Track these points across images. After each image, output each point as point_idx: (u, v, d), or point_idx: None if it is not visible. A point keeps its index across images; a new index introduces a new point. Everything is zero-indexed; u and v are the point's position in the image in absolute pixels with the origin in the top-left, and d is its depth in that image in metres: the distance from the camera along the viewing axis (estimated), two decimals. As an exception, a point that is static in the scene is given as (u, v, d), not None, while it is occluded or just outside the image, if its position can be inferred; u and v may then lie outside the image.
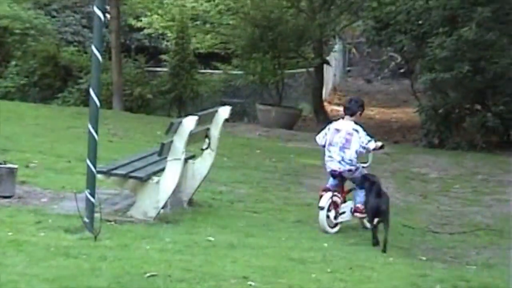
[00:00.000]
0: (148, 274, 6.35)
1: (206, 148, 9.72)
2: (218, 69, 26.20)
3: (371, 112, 28.29)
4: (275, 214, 10.08)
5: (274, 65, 23.12)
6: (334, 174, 9.50)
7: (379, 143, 9.60)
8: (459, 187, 13.63)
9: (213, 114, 9.75)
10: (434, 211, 11.42)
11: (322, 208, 9.22)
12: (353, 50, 36.81)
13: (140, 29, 27.05)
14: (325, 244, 8.33)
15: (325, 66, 25.56)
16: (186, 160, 9.23)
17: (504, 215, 11.55)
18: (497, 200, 12.75)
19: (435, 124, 19.67)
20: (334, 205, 9.34)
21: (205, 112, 9.80)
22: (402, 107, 27.38)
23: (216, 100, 23.72)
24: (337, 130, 9.53)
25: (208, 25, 25.94)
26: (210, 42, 25.88)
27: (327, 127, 9.73)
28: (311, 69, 24.74)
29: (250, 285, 6.36)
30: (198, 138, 9.53)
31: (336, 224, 9.39)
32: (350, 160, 9.40)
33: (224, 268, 6.81)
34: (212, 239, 7.88)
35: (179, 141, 8.66)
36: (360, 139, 9.41)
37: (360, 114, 9.73)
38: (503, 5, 18.64)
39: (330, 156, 9.52)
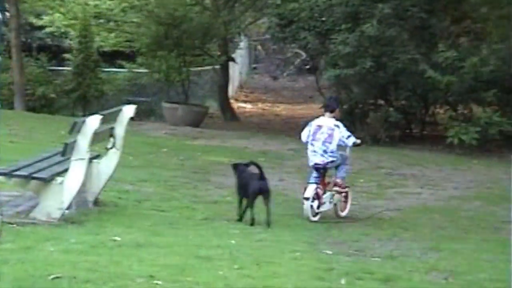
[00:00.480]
0: (52, 276, 6.23)
1: (111, 148, 9.61)
2: (123, 67, 25.94)
3: (277, 108, 28.53)
4: (182, 212, 10.05)
5: (180, 63, 23.06)
6: (318, 167, 10.39)
7: (358, 141, 10.63)
8: (363, 181, 13.87)
9: (117, 113, 9.65)
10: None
11: (307, 199, 10.15)
12: (259, 47, 37.07)
13: (42, 27, 26.55)
14: (233, 241, 8.35)
15: (230, 63, 25.64)
16: (90, 159, 9.11)
17: (407, 207, 11.84)
18: (400, 193, 13.05)
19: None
20: (317, 196, 10.26)
21: (109, 111, 9.70)
22: (308, 103, 27.69)
23: (121, 98, 23.47)
24: (319, 127, 10.53)
25: (112, 23, 25.64)
26: (114, 40, 25.60)
27: (309, 124, 10.67)
28: (217, 67, 24.78)
29: (157, 284, 6.32)
30: (102, 137, 9.41)
31: (317, 213, 10.27)
32: (332, 151, 10.41)
33: (131, 267, 6.74)
34: (118, 238, 7.80)
35: (83, 141, 8.55)
36: (341, 134, 10.46)
37: (339, 111, 10.57)
38: (403, 1, 19.08)
39: (313, 151, 10.45)
